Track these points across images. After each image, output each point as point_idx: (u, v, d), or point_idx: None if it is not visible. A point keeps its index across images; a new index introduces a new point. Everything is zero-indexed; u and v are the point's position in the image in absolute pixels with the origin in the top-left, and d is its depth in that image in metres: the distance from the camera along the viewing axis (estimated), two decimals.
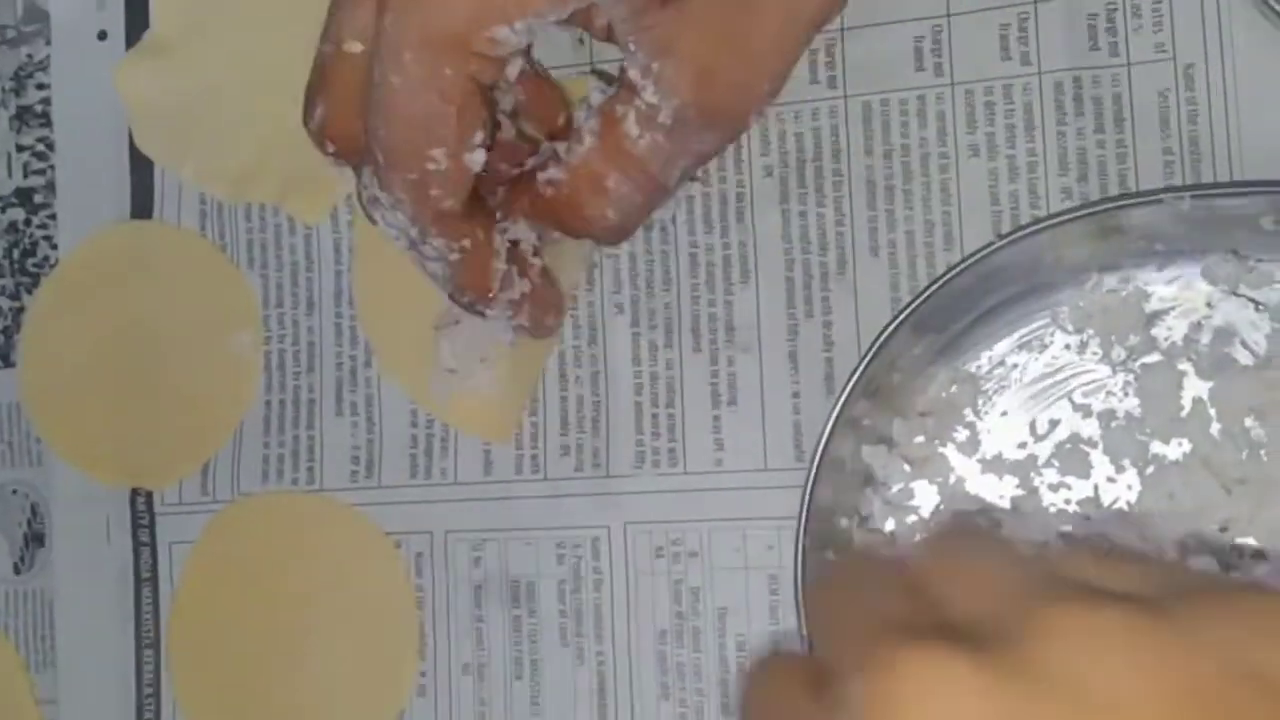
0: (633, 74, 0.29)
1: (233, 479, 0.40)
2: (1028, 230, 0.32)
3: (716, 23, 0.28)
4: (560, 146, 0.30)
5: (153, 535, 0.40)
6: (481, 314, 0.33)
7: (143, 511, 0.41)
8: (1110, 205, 0.31)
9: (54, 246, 0.42)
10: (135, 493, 0.41)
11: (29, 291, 0.42)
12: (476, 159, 0.30)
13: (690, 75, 0.28)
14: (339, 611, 0.38)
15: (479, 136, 0.29)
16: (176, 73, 0.40)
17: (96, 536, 0.41)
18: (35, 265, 0.42)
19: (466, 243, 0.31)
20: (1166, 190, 0.31)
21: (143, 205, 0.41)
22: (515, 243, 0.33)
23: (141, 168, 0.41)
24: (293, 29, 0.39)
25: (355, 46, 0.30)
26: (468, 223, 0.31)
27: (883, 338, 0.32)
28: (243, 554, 0.39)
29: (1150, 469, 0.32)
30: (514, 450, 0.38)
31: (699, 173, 0.35)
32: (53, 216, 0.42)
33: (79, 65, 0.41)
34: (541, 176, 0.30)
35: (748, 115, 0.31)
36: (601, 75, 0.35)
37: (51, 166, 0.42)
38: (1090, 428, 0.33)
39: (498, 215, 0.32)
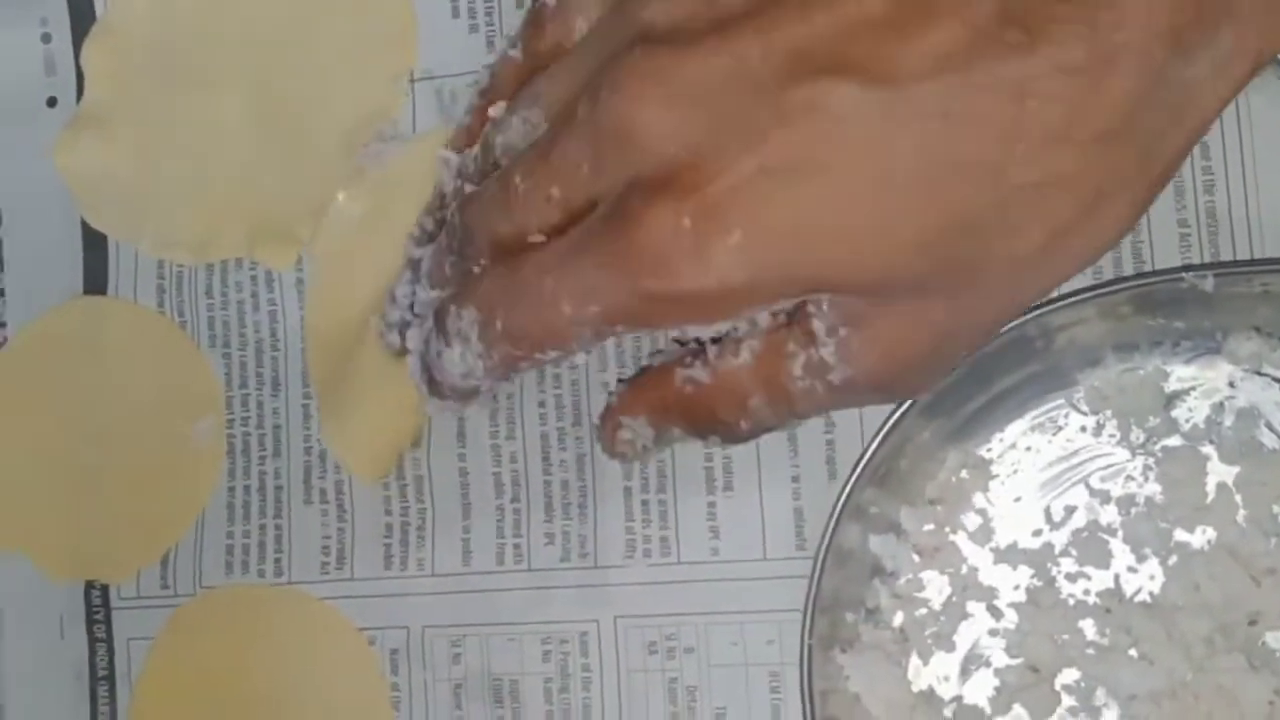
0: (816, 325, 0.27)
1: (194, 571, 0.37)
2: (1040, 310, 0.30)
3: (920, 318, 0.26)
4: (712, 349, 0.28)
5: (109, 631, 0.38)
6: (442, 397, 0.31)
7: (98, 606, 0.38)
8: (1129, 285, 0.30)
9: (2, 324, 0.39)
10: (90, 586, 0.38)
11: None
12: (580, 358, 0.30)
13: (876, 355, 0.26)
14: (309, 713, 0.36)
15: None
16: (117, 141, 0.38)
17: (50, 632, 0.38)
18: None
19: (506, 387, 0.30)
20: (1187, 268, 0.30)
21: (97, 279, 0.39)
22: None
23: (95, 240, 0.39)
24: (228, 84, 0.37)
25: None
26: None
27: (891, 422, 0.31)
28: (206, 651, 0.37)
29: (1174, 559, 0.31)
30: (495, 539, 0.35)
31: None
32: (1, 293, 0.39)
33: (27, 134, 0.39)
34: (683, 373, 0.28)
35: (918, 396, 0.30)
36: None
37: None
38: (1109, 514, 0.31)
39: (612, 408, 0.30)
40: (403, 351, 0.33)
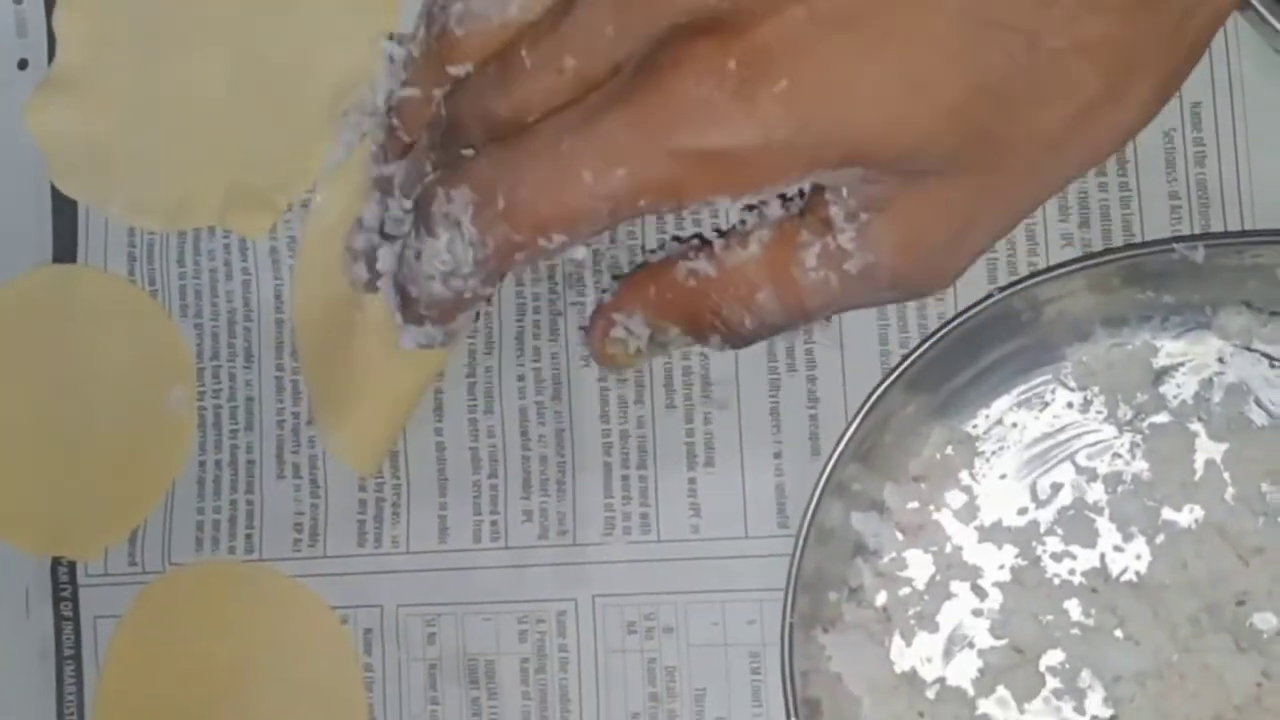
0: (834, 211, 0.26)
1: (163, 548, 0.36)
2: (1027, 282, 0.30)
3: (945, 201, 0.26)
4: (718, 241, 0.27)
5: (76, 609, 0.37)
6: (419, 321, 0.30)
7: (65, 583, 0.37)
8: (1118, 256, 0.29)
9: None
10: (57, 562, 0.37)
11: None
12: (580, 252, 0.27)
13: (897, 239, 0.26)
14: (280, 693, 0.36)
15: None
16: (90, 105, 0.37)
17: (14, 610, 0.37)
18: None
19: (489, 291, 0.28)
20: (1177, 239, 0.29)
21: (66, 247, 0.38)
22: None
23: (64, 207, 0.38)
24: (208, 48, 0.36)
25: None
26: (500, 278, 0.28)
27: (874, 397, 0.30)
28: (174, 630, 0.36)
29: (1160, 537, 0.30)
30: (472, 516, 0.35)
31: None
32: None
33: None
34: (686, 265, 0.27)
35: (931, 293, 0.29)
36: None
37: None
38: (1096, 492, 0.31)
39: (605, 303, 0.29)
40: (371, 285, 0.31)
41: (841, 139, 0.25)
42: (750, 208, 0.28)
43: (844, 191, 0.26)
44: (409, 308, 0.28)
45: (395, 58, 0.31)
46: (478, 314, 0.29)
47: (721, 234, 0.27)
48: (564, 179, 0.25)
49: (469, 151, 0.27)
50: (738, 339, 0.28)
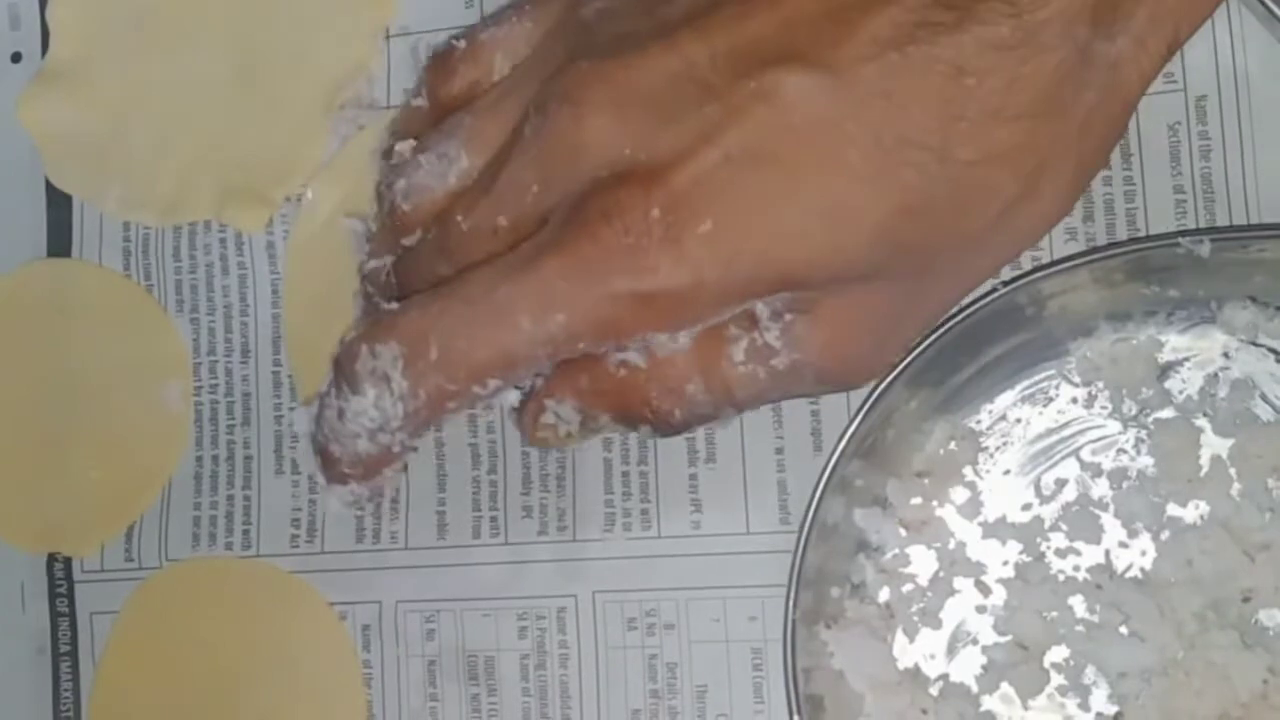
0: (760, 309, 0.26)
1: (160, 544, 0.36)
2: (1031, 277, 0.30)
3: (870, 305, 0.27)
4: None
5: (72, 605, 0.37)
6: (343, 480, 0.29)
7: (61, 579, 0.37)
8: (1123, 251, 0.29)
9: None
10: (53, 558, 0.37)
11: None
12: (512, 397, 0.28)
13: (823, 340, 0.27)
14: (278, 690, 0.35)
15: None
16: (85, 98, 0.37)
17: (10, 606, 0.37)
18: None
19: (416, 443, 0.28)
20: (1182, 233, 0.29)
21: (60, 241, 0.37)
22: None
23: (59, 200, 0.37)
24: (203, 41, 0.36)
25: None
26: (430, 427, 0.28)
27: (877, 393, 0.30)
28: (171, 626, 0.36)
29: (1166, 533, 0.30)
30: (471, 512, 0.34)
31: None
32: None
33: None
34: (618, 356, 0.28)
35: (859, 385, 0.29)
36: None
37: None
38: (1100, 488, 0.31)
39: (532, 389, 0.29)
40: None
41: (769, 271, 0.25)
42: None
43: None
44: (331, 468, 0.29)
45: (358, 232, 0.32)
46: (405, 466, 0.30)
47: None
48: (501, 325, 0.26)
49: (392, 306, 0.28)
50: (667, 428, 0.28)
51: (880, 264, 0.25)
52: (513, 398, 0.29)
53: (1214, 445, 0.30)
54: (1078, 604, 0.30)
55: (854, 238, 0.25)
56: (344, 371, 0.27)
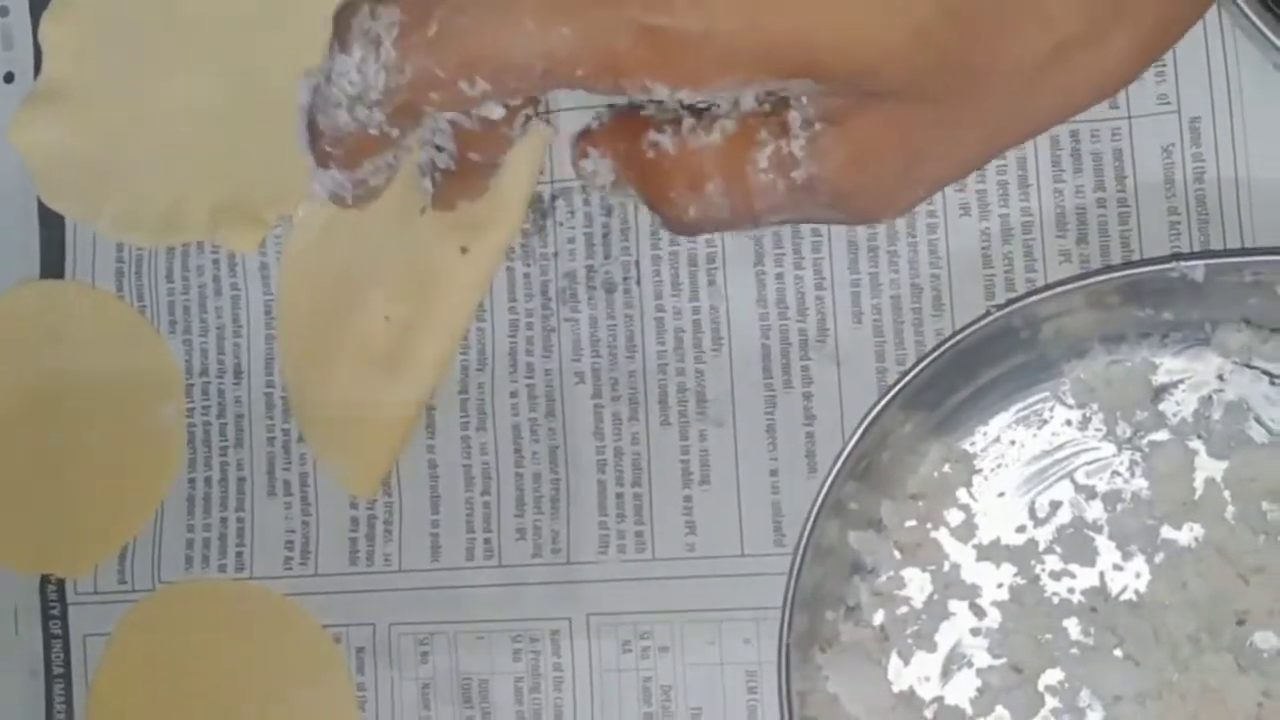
0: (792, 116, 0.25)
1: (153, 566, 0.36)
2: (1025, 299, 0.29)
3: (900, 125, 0.25)
4: (688, 121, 0.27)
5: (65, 627, 0.37)
6: (325, 162, 0.27)
7: (54, 601, 0.37)
8: (1117, 274, 0.29)
9: None
10: (46, 580, 0.37)
11: None
12: (497, 112, 0.26)
13: (845, 155, 0.25)
14: (271, 713, 0.35)
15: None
16: (78, 119, 0.37)
17: (3, 628, 0.37)
18: None
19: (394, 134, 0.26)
20: (1177, 256, 0.29)
21: (54, 263, 0.37)
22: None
23: (52, 221, 0.37)
24: (196, 62, 0.36)
25: None
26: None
27: (871, 415, 0.30)
28: (164, 649, 0.36)
29: (1160, 556, 0.30)
30: (465, 534, 0.34)
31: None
32: None
33: None
34: (650, 137, 0.27)
35: (880, 219, 0.28)
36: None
37: None
38: (1095, 511, 0.31)
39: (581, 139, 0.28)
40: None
41: (793, 48, 0.24)
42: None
43: (804, 99, 0.25)
44: (316, 143, 0.27)
45: None
46: (389, 174, 0.28)
47: (696, 114, 0.26)
48: (505, 20, 0.24)
49: None
50: (680, 225, 0.27)
51: (914, 72, 0.24)
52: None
53: (1208, 468, 0.30)
54: (1072, 627, 0.30)
55: (892, 31, 0.23)
56: (340, 25, 0.26)
